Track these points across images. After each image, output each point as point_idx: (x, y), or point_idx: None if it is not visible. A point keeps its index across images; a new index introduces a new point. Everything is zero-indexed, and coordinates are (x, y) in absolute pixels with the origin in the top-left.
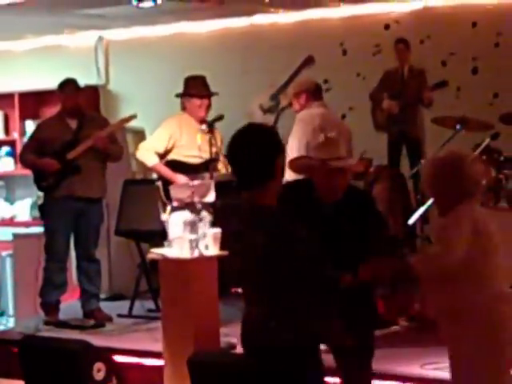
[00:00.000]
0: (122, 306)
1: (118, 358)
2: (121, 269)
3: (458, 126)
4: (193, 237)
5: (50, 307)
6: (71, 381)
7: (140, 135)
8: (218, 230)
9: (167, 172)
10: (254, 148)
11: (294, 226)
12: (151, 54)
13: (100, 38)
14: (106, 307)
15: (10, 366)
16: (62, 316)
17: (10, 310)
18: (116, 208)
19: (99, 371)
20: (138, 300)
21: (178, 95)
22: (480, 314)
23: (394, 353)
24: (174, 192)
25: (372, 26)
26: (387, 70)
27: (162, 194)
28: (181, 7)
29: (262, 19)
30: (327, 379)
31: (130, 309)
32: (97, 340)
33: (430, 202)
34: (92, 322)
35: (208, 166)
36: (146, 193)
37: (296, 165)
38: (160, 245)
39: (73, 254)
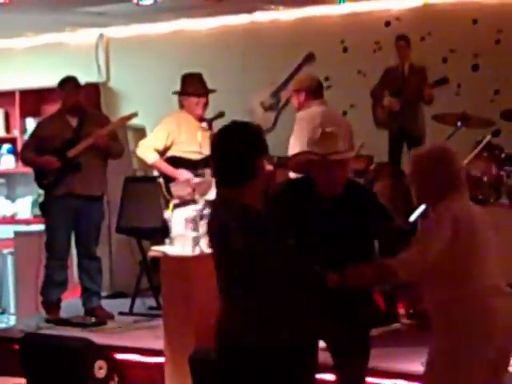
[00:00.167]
0: (123, 303)
1: (120, 356)
2: (122, 266)
3: (458, 123)
4: (195, 234)
5: (51, 305)
6: (72, 379)
7: (141, 133)
8: None
9: (168, 168)
10: (233, 146)
11: (265, 224)
12: (152, 51)
13: (100, 36)
14: (107, 305)
15: (12, 364)
16: (63, 314)
17: (11, 308)
18: (117, 205)
19: (100, 369)
20: (139, 298)
21: (175, 93)
22: (466, 309)
23: (394, 350)
24: (175, 189)
25: (372, 23)
26: (388, 67)
27: (165, 190)
28: (180, 4)
29: (262, 16)
30: (325, 376)
31: (131, 307)
32: (98, 338)
33: None
34: (93, 319)
35: (208, 162)
36: (147, 190)
37: (295, 161)
38: (161, 242)
39: (74, 251)
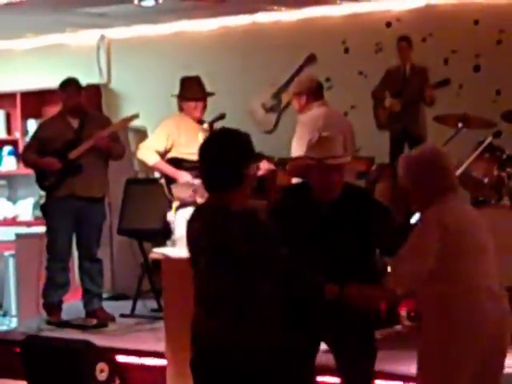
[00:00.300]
0: (125, 305)
1: (121, 358)
2: (123, 268)
3: (460, 124)
4: None
5: (53, 307)
6: (74, 381)
7: (142, 134)
8: None
9: (169, 169)
10: (222, 153)
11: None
12: (153, 52)
13: (102, 37)
14: (109, 307)
15: (13, 366)
16: (64, 316)
17: (13, 310)
18: (118, 207)
19: (102, 371)
20: (141, 300)
21: (174, 96)
22: (453, 308)
23: (396, 352)
24: (176, 191)
25: (374, 24)
26: (389, 68)
27: (167, 191)
28: (182, 6)
29: (263, 17)
30: (327, 379)
31: (133, 308)
32: (99, 340)
33: None
34: (94, 321)
35: None
36: (149, 192)
37: (292, 165)
38: (162, 244)
39: (75, 253)
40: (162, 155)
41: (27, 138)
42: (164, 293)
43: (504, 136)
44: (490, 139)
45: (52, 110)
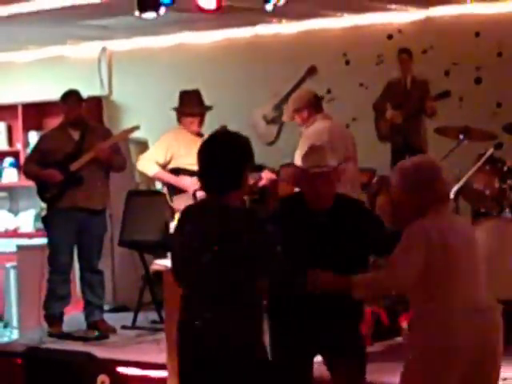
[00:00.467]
0: (126, 317)
1: (122, 370)
2: (124, 280)
3: (461, 136)
4: None
5: (54, 319)
6: None
7: (143, 146)
8: None
9: (171, 178)
10: (224, 154)
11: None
12: (154, 64)
13: (103, 49)
14: (110, 319)
15: (14, 378)
16: (65, 328)
17: (14, 322)
18: (119, 219)
19: (103, 383)
20: (142, 311)
21: (172, 109)
22: (433, 323)
23: (396, 365)
24: (178, 202)
25: (375, 36)
26: (390, 80)
27: (170, 201)
28: (183, 18)
29: (264, 29)
30: None
31: (134, 320)
32: (101, 352)
33: None
34: (96, 333)
35: None
36: (150, 204)
37: (285, 172)
38: (163, 256)
39: (76, 265)
40: (162, 167)
41: (28, 150)
42: (165, 304)
43: (505, 148)
44: (491, 151)
45: (53, 122)
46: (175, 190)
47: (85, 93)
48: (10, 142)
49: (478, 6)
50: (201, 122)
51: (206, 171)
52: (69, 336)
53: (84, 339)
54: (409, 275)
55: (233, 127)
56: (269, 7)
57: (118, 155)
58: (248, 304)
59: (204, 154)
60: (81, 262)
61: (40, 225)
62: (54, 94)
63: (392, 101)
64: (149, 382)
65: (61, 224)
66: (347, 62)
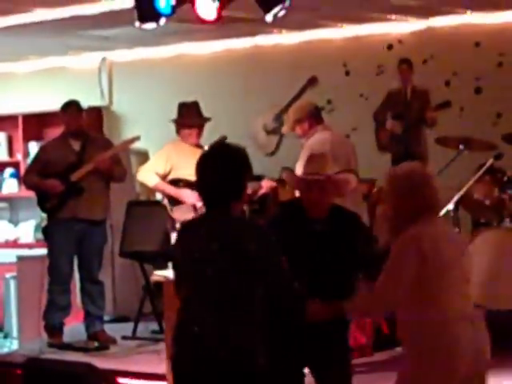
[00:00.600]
0: (126, 327)
1: (123, 381)
2: (125, 290)
3: (461, 146)
4: None
5: (54, 329)
6: None
7: (143, 156)
8: None
9: (171, 189)
10: (224, 168)
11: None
12: (154, 75)
13: (103, 60)
14: (110, 329)
15: None
16: (65, 338)
17: (14, 333)
18: (120, 229)
19: None
20: (142, 322)
21: (171, 121)
22: (430, 335)
23: (395, 374)
24: (178, 214)
25: (375, 47)
26: (390, 90)
27: (170, 211)
28: (183, 28)
29: (264, 40)
30: None
31: (134, 331)
32: (101, 362)
33: None
34: (96, 344)
35: None
36: (150, 214)
37: (286, 176)
38: (164, 266)
39: (76, 275)
40: (162, 178)
41: (29, 161)
42: (165, 315)
43: (505, 158)
44: (491, 161)
45: (54, 133)
46: (175, 201)
47: (85, 103)
48: (11, 152)
49: (478, 17)
50: (199, 134)
51: (206, 184)
52: (69, 347)
53: (84, 350)
54: (399, 293)
55: (232, 138)
56: (269, 18)
57: (118, 166)
58: (248, 311)
59: (203, 166)
60: (81, 272)
61: (40, 235)
62: (54, 104)
63: (392, 111)
64: None
65: (61, 234)
66: (347, 73)
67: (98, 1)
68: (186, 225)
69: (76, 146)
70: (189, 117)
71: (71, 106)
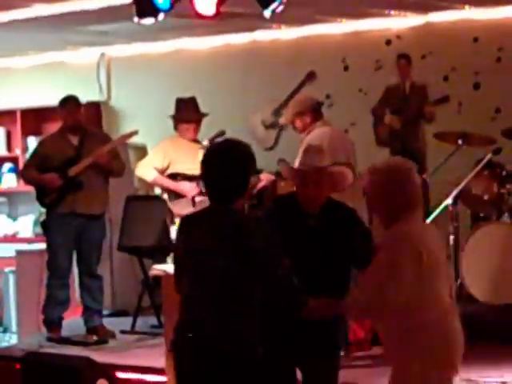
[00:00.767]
0: (125, 322)
1: (121, 375)
2: (123, 285)
3: (459, 141)
4: None
5: (53, 324)
6: None
7: (142, 151)
8: None
9: (169, 183)
10: (229, 165)
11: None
12: (153, 70)
13: (102, 55)
14: (109, 323)
15: (13, 383)
16: (64, 332)
17: (13, 327)
18: (118, 224)
19: None
20: (141, 316)
21: (169, 117)
22: (431, 330)
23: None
24: (176, 208)
25: (373, 42)
26: (389, 85)
27: (171, 205)
28: (182, 23)
29: (263, 35)
30: None
31: (133, 325)
32: (100, 356)
33: (432, 216)
34: (95, 338)
35: None
36: (149, 209)
37: (284, 169)
38: (162, 260)
39: (75, 270)
40: (160, 173)
41: (27, 155)
42: (164, 309)
43: (504, 153)
44: (489, 156)
45: (52, 128)
46: (174, 195)
47: (83, 98)
48: (9, 147)
49: (477, 12)
50: (197, 129)
51: (212, 180)
52: (68, 341)
53: (83, 344)
54: (401, 299)
55: (231, 132)
56: (267, 13)
57: (116, 160)
58: (248, 303)
59: (209, 163)
60: (80, 266)
61: (39, 230)
62: (52, 99)
63: (391, 106)
64: None
65: (60, 229)
66: (346, 68)
67: None
68: (188, 218)
69: (74, 140)
70: (186, 112)
71: (69, 101)
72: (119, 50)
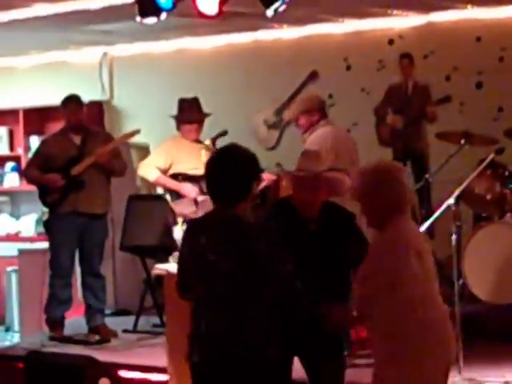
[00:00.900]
0: (127, 321)
1: (123, 374)
2: (126, 284)
3: (462, 141)
4: None
5: (55, 323)
6: None
7: (144, 151)
8: None
9: (172, 183)
10: (233, 173)
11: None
12: (155, 69)
13: (104, 54)
14: (111, 323)
15: (15, 382)
16: (67, 332)
17: (16, 326)
18: (121, 223)
19: None
20: (143, 315)
21: (171, 117)
22: (432, 330)
23: None
24: (178, 208)
25: (376, 41)
26: (391, 85)
27: (173, 205)
28: (184, 23)
29: (265, 35)
30: None
31: (135, 324)
32: (102, 355)
33: (435, 216)
34: (97, 337)
35: None
36: (151, 208)
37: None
38: (165, 260)
39: (78, 269)
40: (163, 173)
41: (30, 155)
42: (166, 308)
43: (506, 153)
44: (492, 156)
45: (55, 127)
46: (177, 195)
47: (86, 98)
48: (12, 146)
49: (479, 11)
50: (199, 130)
51: (217, 183)
52: (70, 340)
53: (85, 343)
54: (418, 292)
55: (233, 132)
56: (269, 13)
57: (118, 160)
58: (255, 307)
59: (215, 166)
60: (82, 266)
61: (41, 229)
62: (55, 98)
63: (393, 106)
64: None
65: (62, 228)
66: (348, 67)
67: None
68: (193, 223)
69: (77, 140)
70: (188, 113)
71: (72, 101)
72: (122, 50)
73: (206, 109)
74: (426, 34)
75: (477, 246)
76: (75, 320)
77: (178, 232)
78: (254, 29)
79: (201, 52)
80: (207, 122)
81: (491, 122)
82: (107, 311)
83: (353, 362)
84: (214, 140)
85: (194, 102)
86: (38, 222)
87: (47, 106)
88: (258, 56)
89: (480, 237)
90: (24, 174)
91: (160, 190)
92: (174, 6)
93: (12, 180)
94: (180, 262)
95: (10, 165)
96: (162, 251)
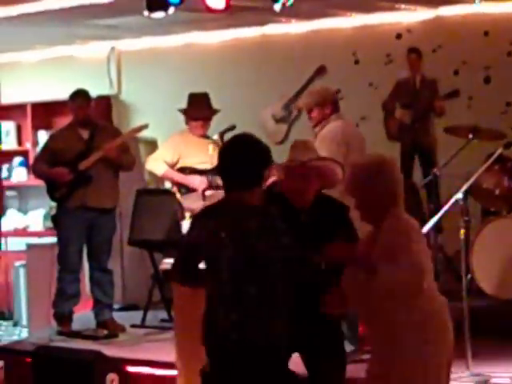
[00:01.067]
0: (135, 316)
1: (131, 369)
2: (134, 279)
3: (470, 136)
4: None
5: (63, 318)
6: None
7: (152, 145)
8: None
9: (179, 176)
10: (246, 161)
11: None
12: (163, 64)
13: (112, 49)
14: (119, 317)
15: (24, 377)
16: (75, 326)
17: (24, 321)
18: (129, 218)
19: (112, 382)
20: (151, 310)
21: (179, 111)
22: (434, 320)
23: None
24: (187, 202)
25: (384, 36)
26: (399, 79)
27: (181, 199)
28: (192, 17)
29: (273, 29)
30: None
31: (143, 319)
32: (110, 350)
33: (442, 211)
34: (105, 332)
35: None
36: (159, 202)
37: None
38: (173, 255)
39: (86, 264)
40: (170, 167)
41: (38, 149)
42: (174, 303)
43: None
44: (500, 150)
45: (62, 122)
46: (185, 189)
47: (94, 92)
48: (20, 141)
49: (487, 6)
50: (206, 126)
51: (231, 169)
52: (78, 335)
53: (93, 338)
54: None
55: (241, 126)
56: (277, 7)
57: (126, 154)
58: (281, 304)
59: (229, 153)
60: (90, 260)
61: (49, 224)
62: (62, 93)
63: (401, 100)
64: (158, 380)
65: (70, 223)
66: (356, 62)
67: None
68: (207, 212)
69: (85, 134)
70: (197, 109)
71: (79, 95)
72: (129, 44)
73: (213, 103)
74: (434, 29)
75: (485, 241)
76: (83, 315)
77: (186, 226)
78: (262, 23)
79: (209, 46)
80: (215, 116)
81: (499, 116)
82: (115, 306)
83: (360, 357)
84: (221, 135)
85: (204, 97)
86: (45, 216)
87: (55, 101)
88: (265, 50)
89: (488, 232)
90: (32, 169)
91: (168, 185)
92: (182, 0)
93: (20, 175)
94: (186, 249)
95: (17, 159)
96: (170, 246)
